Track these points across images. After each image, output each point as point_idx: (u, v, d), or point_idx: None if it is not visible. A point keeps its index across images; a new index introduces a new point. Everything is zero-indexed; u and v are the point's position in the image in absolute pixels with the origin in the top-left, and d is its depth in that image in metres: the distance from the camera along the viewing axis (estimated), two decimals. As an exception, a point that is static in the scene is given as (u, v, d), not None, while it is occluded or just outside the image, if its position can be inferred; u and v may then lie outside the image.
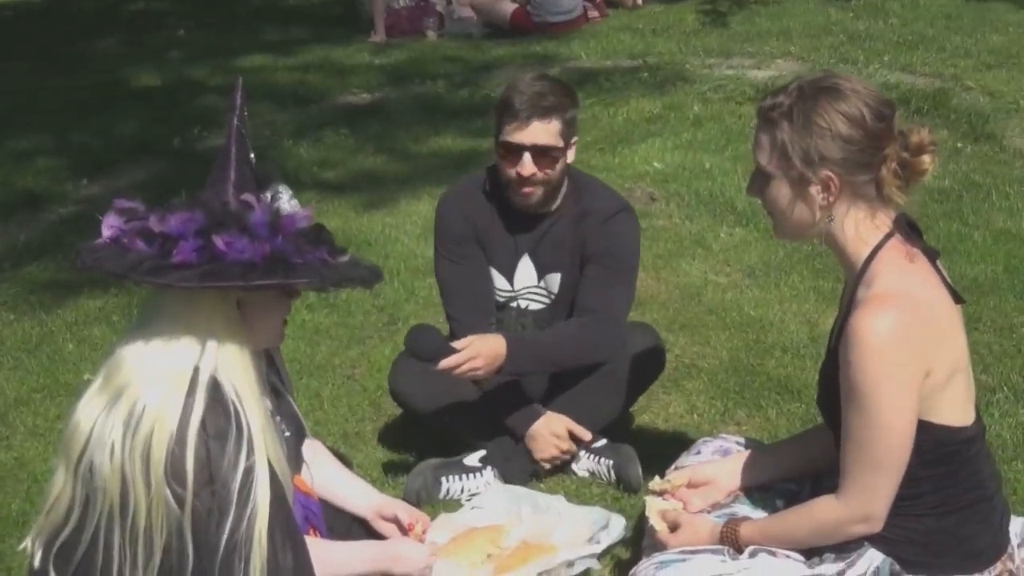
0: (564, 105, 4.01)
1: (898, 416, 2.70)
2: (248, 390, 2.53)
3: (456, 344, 3.83)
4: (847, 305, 2.83)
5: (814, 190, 2.79)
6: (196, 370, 2.49)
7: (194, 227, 2.46)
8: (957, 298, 2.84)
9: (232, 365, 2.53)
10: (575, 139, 4.11)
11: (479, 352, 3.83)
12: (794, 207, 2.85)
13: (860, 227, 2.80)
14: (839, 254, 2.87)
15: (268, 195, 2.60)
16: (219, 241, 2.43)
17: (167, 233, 2.46)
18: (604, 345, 4.09)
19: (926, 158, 2.77)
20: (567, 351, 4.08)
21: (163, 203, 2.55)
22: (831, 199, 2.79)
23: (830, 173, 2.76)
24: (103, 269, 2.47)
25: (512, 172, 4.01)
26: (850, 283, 2.86)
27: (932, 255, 2.85)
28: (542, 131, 3.96)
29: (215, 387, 2.49)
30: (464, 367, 3.82)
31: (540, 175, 4.00)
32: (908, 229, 2.84)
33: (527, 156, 3.97)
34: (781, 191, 2.85)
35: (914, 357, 2.68)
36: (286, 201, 2.55)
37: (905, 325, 2.66)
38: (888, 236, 2.80)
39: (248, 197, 2.52)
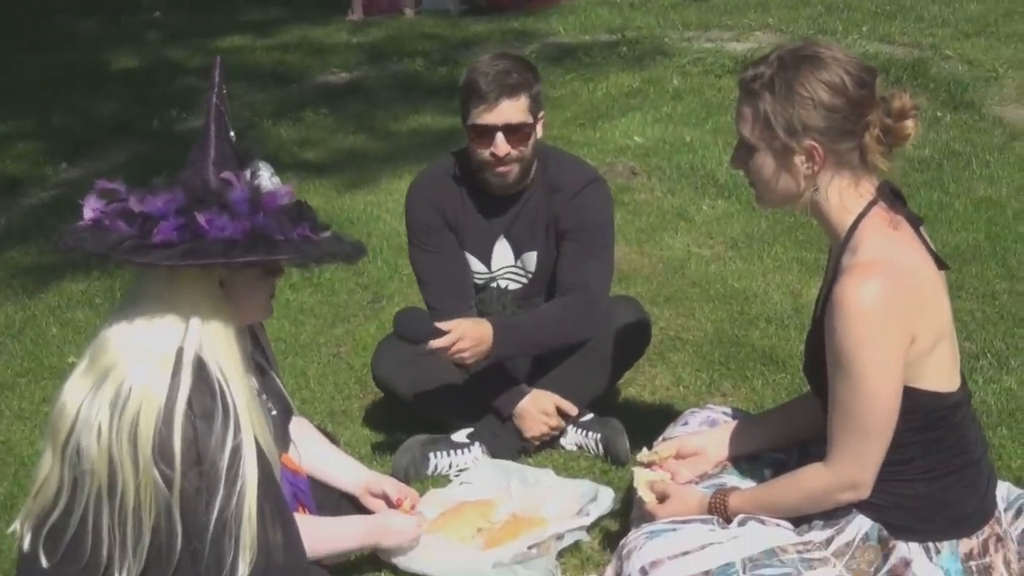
0: (529, 81, 4.00)
1: (883, 383, 2.70)
2: (233, 368, 2.53)
3: (442, 326, 3.82)
4: (832, 273, 2.83)
5: (798, 160, 2.79)
6: (180, 350, 2.49)
7: (175, 206, 2.46)
8: (941, 264, 2.84)
9: (216, 344, 2.53)
10: (542, 114, 4.09)
11: (465, 333, 3.82)
12: (779, 177, 2.84)
13: (844, 195, 2.80)
14: (823, 223, 2.87)
15: (248, 173, 2.59)
16: (200, 219, 2.43)
17: (147, 213, 2.46)
18: (588, 323, 4.08)
19: (909, 123, 2.77)
20: (552, 332, 4.07)
21: (144, 184, 2.55)
22: (816, 168, 2.79)
23: (813, 142, 2.76)
24: (84, 250, 2.46)
25: (486, 154, 3.99)
26: (835, 251, 2.86)
27: (915, 222, 2.85)
28: (512, 109, 3.94)
29: (200, 366, 2.49)
30: (452, 349, 3.81)
31: (515, 153, 3.98)
32: (892, 196, 2.84)
33: (500, 136, 3.95)
34: (765, 162, 2.84)
35: (899, 324, 2.68)
36: (267, 179, 2.53)
37: (889, 292, 2.66)
38: (872, 204, 2.80)
39: (228, 175, 2.52)
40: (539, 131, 4.08)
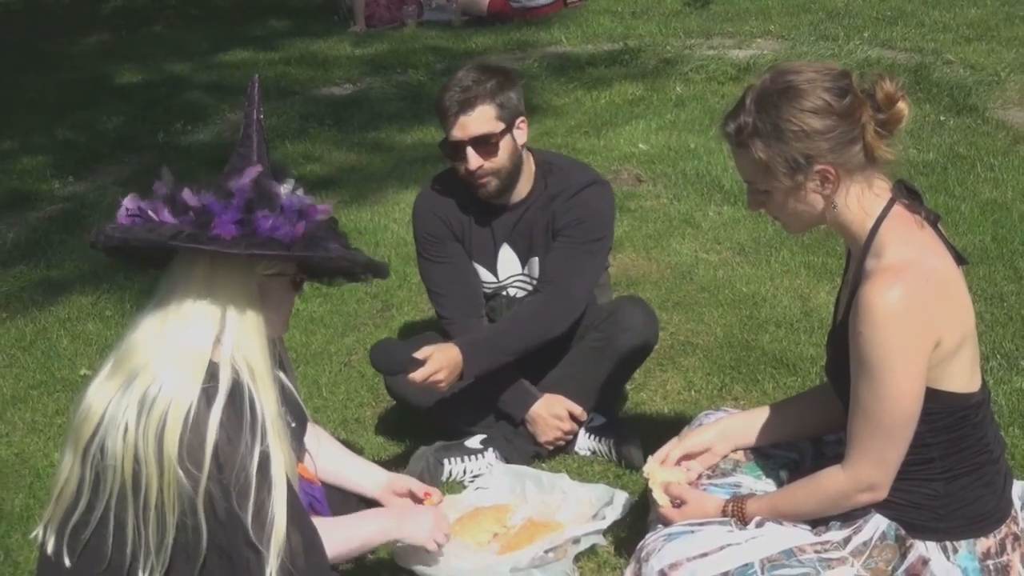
0: (490, 91, 3.97)
1: (907, 387, 2.70)
2: (263, 374, 2.57)
3: (418, 355, 3.79)
4: (855, 276, 2.83)
5: (812, 186, 2.79)
6: (213, 352, 2.53)
7: (233, 202, 2.50)
8: (960, 259, 2.84)
9: (249, 347, 2.56)
10: (521, 119, 4.07)
11: (440, 365, 3.81)
12: (799, 208, 2.84)
13: (862, 199, 2.80)
14: (844, 232, 2.86)
15: (285, 186, 2.64)
16: (258, 217, 2.49)
17: (203, 207, 2.50)
18: (559, 316, 4.09)
19: (900, 105, 2.75)
20: (523, 334, 4.07)
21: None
22: (832, 188, 2.79)
23: (822, 166, 2.75)
24: (140, 239, 2.49)
25: (462, 169, 4.02)
26: (856, 255, 2.86)
27: (933, 219, 2.86)
28: (472, 123, 3.95)
29: (231, 370, 2.52)
30: (429, 380, 3.80)
31: (487, 165, 3.99)
32: (908, 194, 2.85)
33: (469, 151, 3.97)
34: (781, 201, 2.84)
35: (924, 328, 2.68)
36: (300, 195, 2.65)
37: (916, 297, 2.66)
38: (890, 204, 2.81)
39: (275, 184, 2.57)
40: (519, 137, 4.07)
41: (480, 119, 3.95)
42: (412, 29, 12.00)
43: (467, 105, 3.94)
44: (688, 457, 3.29)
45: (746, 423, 3.31)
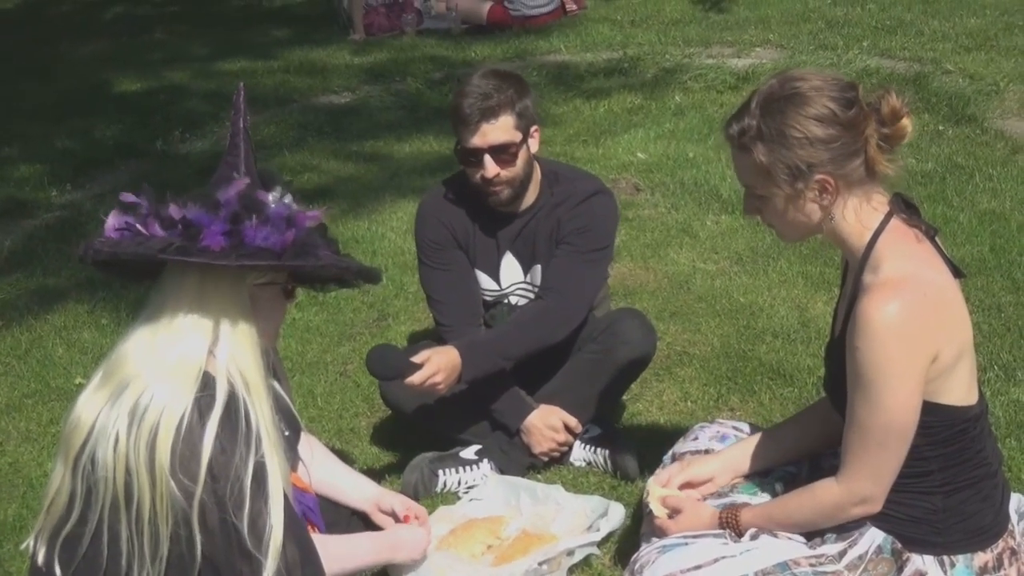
0: (511, 99, 3.98)
1: (904, 401, 2.70)
2: (256, 383, 2.55)
3: (415, 359, 3.80)
4: (852, 290, 2.82)
5: (811, 195, 2.78)
6: (205, 362, 2.51)
7: (219, 214, 2.48)
8: (957, 272, 2.83)
9: (243, 357, 2.55)
10: (535, 128, 4.08)
11: (439, 367, 3.82)
12: (796, 217, 2.84)
13: (860, 213, 2.79)
14: (841, 244, 2.85)
15: (273, 194, 2.62)
16: (245, 227, 2.47)
17: (189, 220, 2.48)
18: (560, 324, 4.09)
19: (904, 122, 2.76)
20: (524, 339, 4.07)
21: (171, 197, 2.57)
22: (831, 198, 2.78)
23: (822, 175, 2.75)
24: (128, 253, 2.47)
25: (477, 176, 4.02)
26: (853, 268, 2.85)
27: (931, 232, 2.85)
28: (493, 131, 3.95)
29: (225, 380, 2.50)
30: (427, 383, 3.81)
31: (504, 174, 4.00)
32: (905, 207, 2.84)
33: (487, 158, 3.97)
34: (778, 207, 2.83)
35: (922, 343, 2.68)
36: (289, 202, 2.65)
37: (914, 312, 2.65)
38: (887, 217, 2.79)
39: (262, 193, 2.55)
40: (533, 145, 4.07)
41: (501, 128, 3.95)
42: (411, 37, 11.97)
43: (489, 113, 3.93)
44: (690, 485, 3.28)
45: (746, 452, 3.31)
